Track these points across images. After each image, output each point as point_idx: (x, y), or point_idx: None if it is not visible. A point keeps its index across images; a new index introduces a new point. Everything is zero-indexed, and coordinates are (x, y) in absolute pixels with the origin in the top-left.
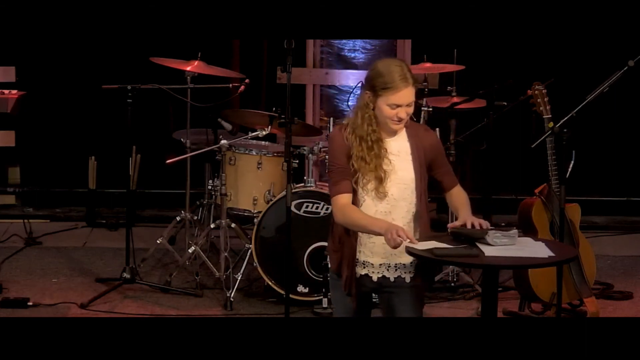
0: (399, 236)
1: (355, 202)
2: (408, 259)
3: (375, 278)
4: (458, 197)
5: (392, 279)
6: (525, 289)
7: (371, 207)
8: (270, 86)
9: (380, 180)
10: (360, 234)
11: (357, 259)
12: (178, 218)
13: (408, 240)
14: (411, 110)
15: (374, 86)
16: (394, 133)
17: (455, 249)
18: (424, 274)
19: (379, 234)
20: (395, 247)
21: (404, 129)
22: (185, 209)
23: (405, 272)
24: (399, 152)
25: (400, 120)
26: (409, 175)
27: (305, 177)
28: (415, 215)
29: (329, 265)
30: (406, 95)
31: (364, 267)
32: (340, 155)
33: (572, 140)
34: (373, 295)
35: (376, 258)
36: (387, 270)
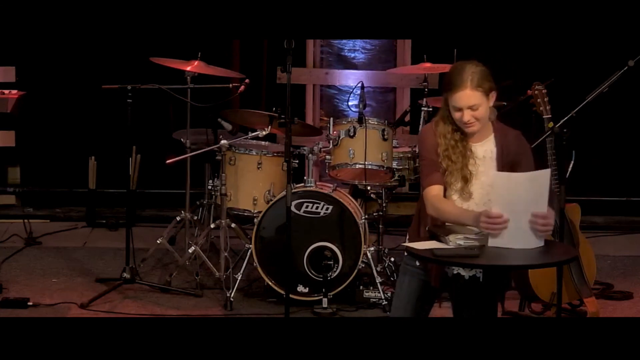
0: (489, 217)
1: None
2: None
3: (450, 274)
4: None
5: (466, 277)
6: (525, 289)
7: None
8: (270, 86)
9: (466, 180)
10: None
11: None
12: (178, 218)
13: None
14: (480, 114)
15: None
16: (480, 137)
17: (455, 249)
18: (498, 276)
19: (469, 225)
20: (494, 230)
21: (492, 134)
22: (185, 209)
23: (479, 272)
24: (484, 157)
25: (467, 123)
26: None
27: (305, 177)
28: None
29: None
30: (463, 97)
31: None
32: (431, 149)
33: (572, 140)
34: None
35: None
36: (462, 268)
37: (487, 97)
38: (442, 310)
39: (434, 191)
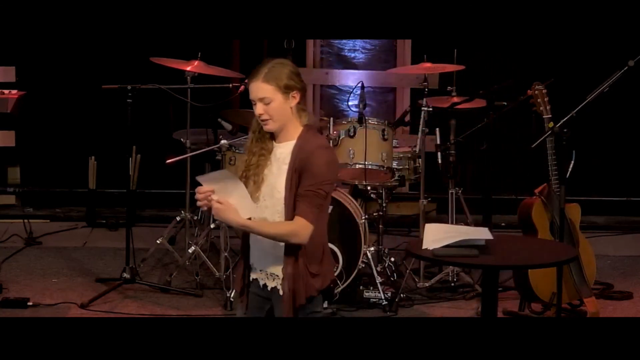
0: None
1: None
2: (280, 270)
3: (261, 284)
4: (277, 223)
5: (269, 288)
6: (525, 289)
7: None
8: None
9: (256, 180)
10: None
11: (252, 263)
12: (178, 218)
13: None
14: (273, 110)
15: None
16: (284, 138)
17: (455, 249)
18: (301, 288)
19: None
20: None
21: (295, 139)
22: (185, 209)
23: (279, 285)
24: (279, 159)
25: (260, 117)
26: (280, 184)
27: None
28: None
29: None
30: (253, 88)
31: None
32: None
33: (572, 140)
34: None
35: (257, 263)
36: (267, 278)
37: (283, 94)
38: (442, 310)
39: None
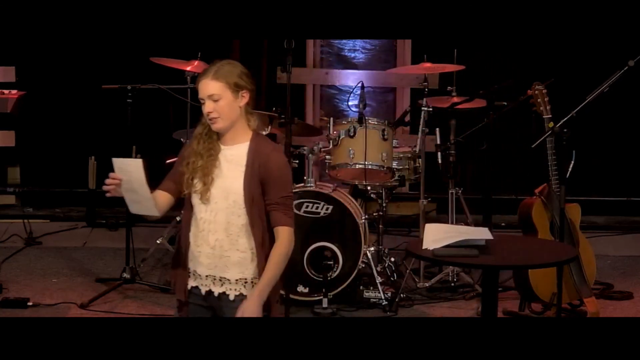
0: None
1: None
2: (234, 274)
3: (204, 291)
4: (272, 254)
5: (215, 294)
6: (525, 289)
7: (197, 211)
8: (270, 86)
9: (205, 182)
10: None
11: (189, 269)
12: (178, 218)
13: None
14: (222, 108)
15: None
16: (233, 141)
17: (455, 249)
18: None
19: None
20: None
21: (248, 141)
22: None
23: (230, 289)
24: (231, 161)
25: (209, 115)
26: (236, 185)
27: (305, 177)
28: (244, 227)
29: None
30: (202, 85)
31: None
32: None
33: (572, 140)
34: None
35: (202, 268)
36: (213, 283)
37: (232, 92)
38: (442, 310)
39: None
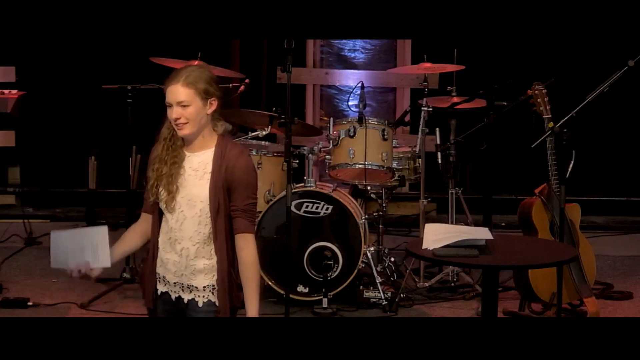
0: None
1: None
2: (201, 281)
3: (174, 297)
4: (246, 266)
5: (185, 301)
6: (525, 289)
7: (164, 218)
8: (270, 86)
9: (170, 191)
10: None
11: (158, 274)
12: None
13: None
14: (191, 114)
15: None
16: (199, 147)
17: (455, 249)
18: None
19: None
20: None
21: (214, 146)
22: None
23: (198, 296)
24: (197, 169)
25: (176, 121)
26: (202, 194)
27: (305, 177)
28: (210, 235)
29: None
30: (172, 91)
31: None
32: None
33: (572, 140)
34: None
35: (170, 275)
36: (182, 290)
37: (201, 99)
38: (442, 310)
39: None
